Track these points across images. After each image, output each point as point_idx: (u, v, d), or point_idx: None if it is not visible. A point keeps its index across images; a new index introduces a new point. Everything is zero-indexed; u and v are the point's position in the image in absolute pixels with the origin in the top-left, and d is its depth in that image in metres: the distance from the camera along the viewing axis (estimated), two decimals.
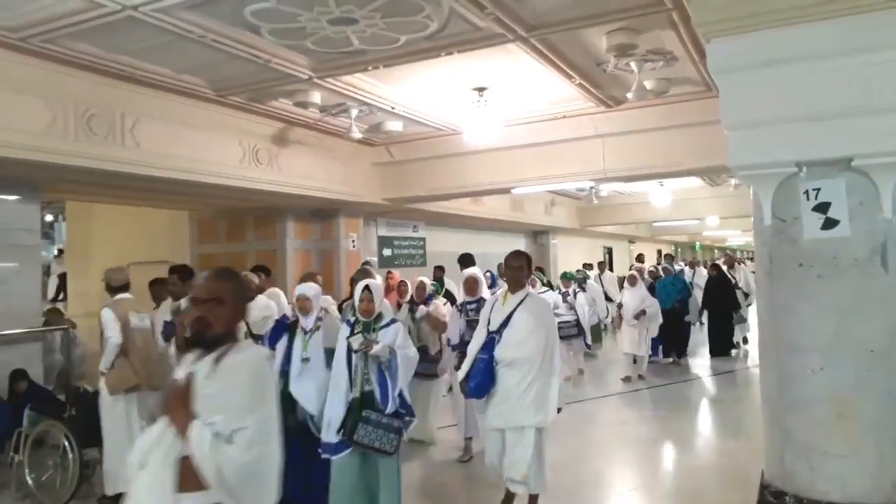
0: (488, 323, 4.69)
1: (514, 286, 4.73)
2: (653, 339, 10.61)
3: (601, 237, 22.40)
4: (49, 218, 15.75)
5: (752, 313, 8.14)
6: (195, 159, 7.08)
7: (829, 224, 3.52)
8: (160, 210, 10.72)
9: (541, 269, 14.81)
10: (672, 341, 11.37)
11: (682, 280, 11.86)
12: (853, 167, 3.48)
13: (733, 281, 12.62)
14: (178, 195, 8.72)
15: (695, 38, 5.41)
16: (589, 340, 10.55)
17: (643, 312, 9.83)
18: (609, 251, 23.83)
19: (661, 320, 10.24)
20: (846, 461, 3.53)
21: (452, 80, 6.80)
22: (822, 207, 3.53)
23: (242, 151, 7.73)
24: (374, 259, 12.52)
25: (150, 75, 6.14)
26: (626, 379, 9.96)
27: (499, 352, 4.55)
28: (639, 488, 5.45)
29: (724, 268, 13.12)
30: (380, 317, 4.50)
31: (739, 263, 14.75)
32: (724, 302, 12.02)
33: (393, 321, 4.58)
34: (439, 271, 10.53)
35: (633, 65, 6.12)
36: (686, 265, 16.90)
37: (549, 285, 11.59)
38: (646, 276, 11.64)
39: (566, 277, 10.68)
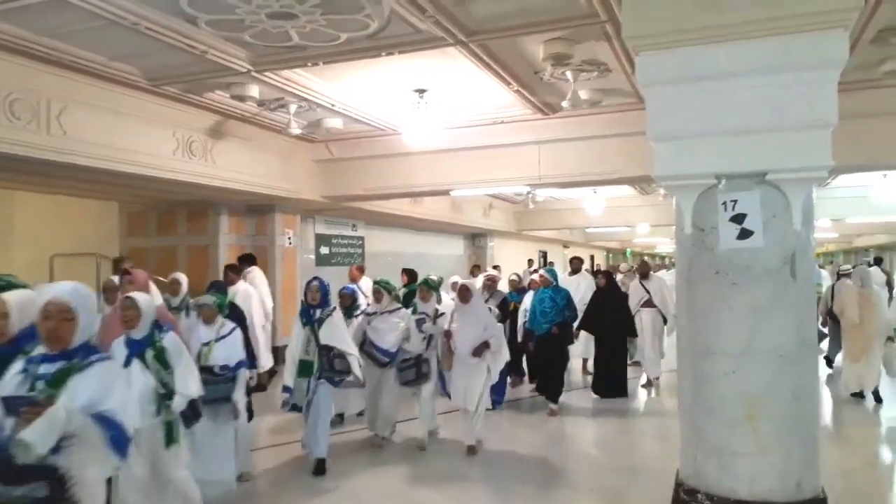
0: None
1: None
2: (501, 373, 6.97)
3: (537, 241, 22.78)
4: None
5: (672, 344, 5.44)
6: (126, 149, 6.87)
7: (744, 234, 3.72)
8: (88, 200, 10.34)
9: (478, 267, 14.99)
10: (544, 381, 8.03)
11: (564, 293, 8.08)
12: (767, 181, 3.70)
13: (647, 295, 9.39)
14: (106, 186, 8.44)
15: (627, 51, 5.59)
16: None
17: (485, 346, 6.15)
18: (544, 255, 24.26)
19: (507, 356, 6.60)
20: (754, 460, 3.73)
21: (393, 81, 6.83)
22: (738, 218, 3.73)
23: (176, 143, 7.55)
24: (312, 256, 12.46)
25: (81, 61, 5.93)
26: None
27: None
28: (561, 488, 5.58)
29: (626, 277, 11.10)
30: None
31: (654, 272, 10.52)
32: (614, 324, 8.81)
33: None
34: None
35: (568, 74, 6.29)
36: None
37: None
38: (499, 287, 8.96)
39: (428, 286, 6.71)
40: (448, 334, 6.32)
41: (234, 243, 10.46)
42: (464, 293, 6.32)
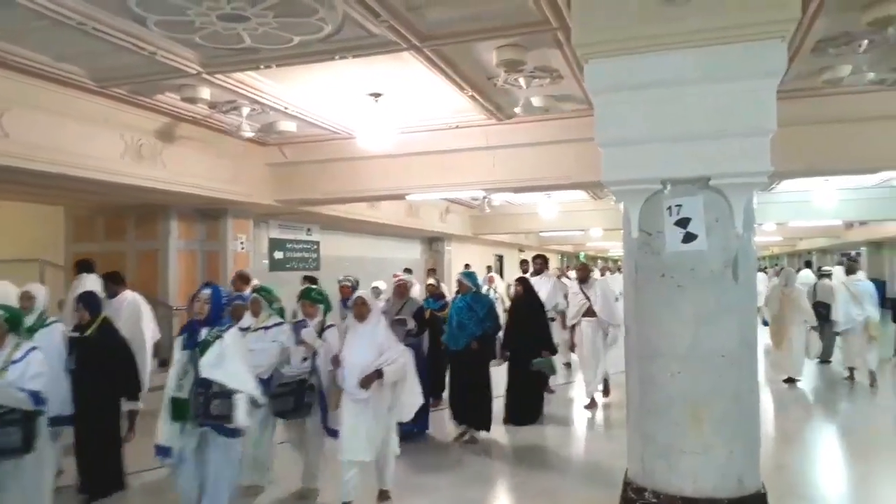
0: None
1: None
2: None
3: (493, 245, 22.95)
4: None
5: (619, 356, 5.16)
6: (71, 152, 6.70)
7: (689, 238, 3.82)
8: (31, 205, 10.03)
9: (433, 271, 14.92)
10: (463, 405, 6.88)
11: (485, 302, 7.08)
12: (711, 186, 3.81)
13: (587, 302, 8.49)
14: (51, 189, 8.21)
15: (578, 58, 5.69)
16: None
17: (376, 375, 4.77)
18: (500, 258, 24.46)
19: (416, 389, 5.16)
20: (699, 458, 3.83)
21: (348, 84, 6.81)
22: (683, 222, 3.83)
23: (124, 145, 7.39)
24: (266, 262, 12.31)
25: (24, 62, 5.76)
26: None
27: None
28: (511, 489, 5.64)
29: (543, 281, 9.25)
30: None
31: (593, 275, 9.92)
32: (529, 339, 7.50)
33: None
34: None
35: (521, 80, 6.37)
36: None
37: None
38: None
39: (312, 299, 5.45)
40: (336, 361, 4.90)
41: (184, 248, 10.28)
42: (360, 308, 4.93)
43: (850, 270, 10.33)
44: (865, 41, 5.58)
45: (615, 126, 3.91)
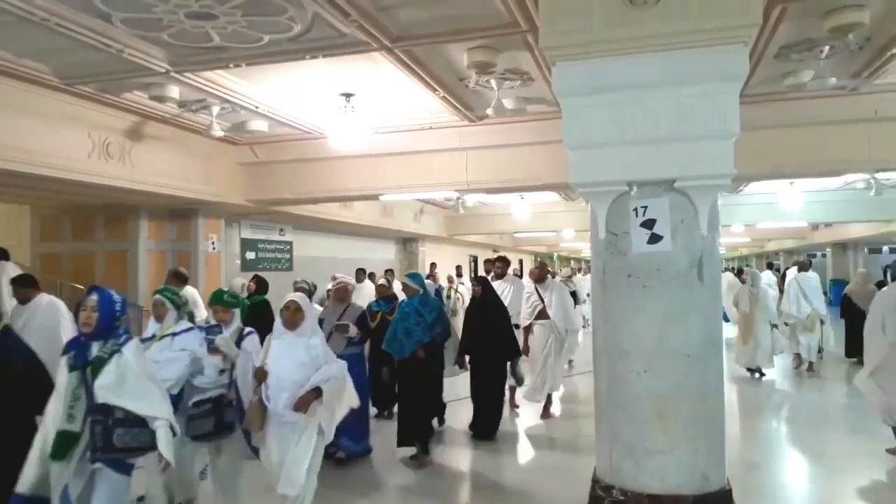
0: None
1: None
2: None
3: (467, 246, 22.99)
4: None
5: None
6: (37, 151, 6.58)
7: (654, 239, 3.88)
8: None
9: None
10: (407, 421, 6.16)
11: (434, 306, 6.33)
12: (676, 188, 3.87)
13: (541, 304, 7.73)
14: (16, 188, 8.06)
15: (547, 61, 5.75)
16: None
17: (314, 394, 4.02)
18: (474, 259, 24.52)
19: (354, 402, 4.38)
20: (665, 456, 3.89)
21: (320, 84, 6.78)
22: (649, 224, 3.89)
23: (91, 144, 7.27)
24: (238, 262, 12.20)
25: None
26: None
27: None
28: (484, 488, 5.66)
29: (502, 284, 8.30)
30: None
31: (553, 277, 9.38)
32: (490, 345, 6.94)
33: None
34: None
35: (492, 82, 6.41)
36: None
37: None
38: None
39: (224, 303, 4.81)
40: (261, 375, 4.07)
41: (154, 249, 10.15)
42: (292, 315, 4.15)
43: (801, 268, 11.43)
44: (827, 47, 5.71)
45: (582, 128, 3.96)
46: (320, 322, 4.98)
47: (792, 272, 12.22)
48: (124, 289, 9.56)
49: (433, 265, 15.98)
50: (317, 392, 3.97)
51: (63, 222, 10.30)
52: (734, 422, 7.47)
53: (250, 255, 12.67)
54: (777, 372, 10.61)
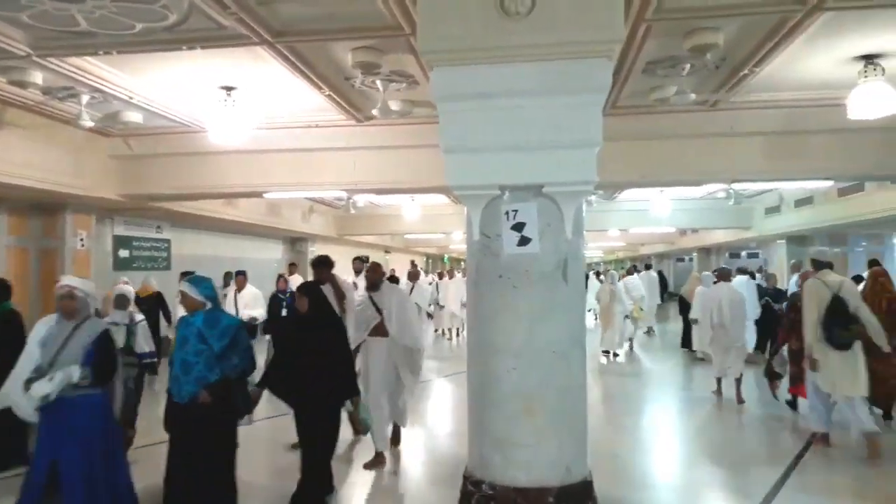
0: None
1: None
2: None
3: (359, 246, 22.84)
4: None
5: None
6: None
7: (524, 241, 4.05)
8: None
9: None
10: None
11: (225, 325, 4.32)
12: (544, 193, 4.06)
13: (379, 318, 5.91)
14: None
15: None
16: None
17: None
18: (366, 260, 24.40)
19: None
20: (531, 450, 4.05)
21: (200, 76, 6.56)
22: (519, 227, 4.05)
23: None
24: (110, 260, 11.52)
25: None
26: None
27: None
28: (361, 484, 5.67)
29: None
30: None
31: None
32: (319, 378, 4.75)
33: None
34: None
35: (378, 83, 6.44)
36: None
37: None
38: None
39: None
40: None
41: (14, 245, 9.45)
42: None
43: (628, 272, 16.64)
44: (688, 65, 6.15)
45: (458, 133, 4.07)
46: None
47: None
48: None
49: (393, 270, 16.08)
50: None
51: None
52: (599, 413, 7.89)
53: (124, 254, 12.03)
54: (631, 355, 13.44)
